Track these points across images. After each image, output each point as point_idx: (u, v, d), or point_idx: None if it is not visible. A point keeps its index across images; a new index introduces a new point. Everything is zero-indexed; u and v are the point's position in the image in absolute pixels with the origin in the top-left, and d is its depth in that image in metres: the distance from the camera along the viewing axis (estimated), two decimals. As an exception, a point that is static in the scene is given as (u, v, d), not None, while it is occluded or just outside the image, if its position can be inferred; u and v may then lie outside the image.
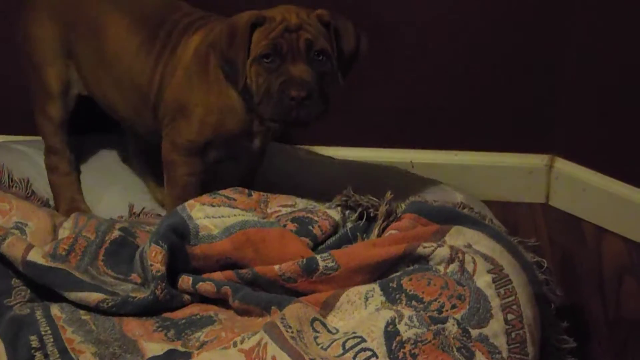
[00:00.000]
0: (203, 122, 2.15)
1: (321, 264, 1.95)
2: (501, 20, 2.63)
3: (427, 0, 2.62)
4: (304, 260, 1.96)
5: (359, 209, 2.12)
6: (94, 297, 1.98)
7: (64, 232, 2.23)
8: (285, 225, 2.05)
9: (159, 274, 1.98)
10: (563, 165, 2.73)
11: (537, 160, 2.75)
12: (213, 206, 2.07)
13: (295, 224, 2.07)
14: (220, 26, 2.09)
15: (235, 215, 2.05)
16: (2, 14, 2.63)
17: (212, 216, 2.05)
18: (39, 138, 2.50)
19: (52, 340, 1.88)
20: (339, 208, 2.12)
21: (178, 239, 2.02)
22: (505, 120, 2.73)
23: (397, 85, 2.71)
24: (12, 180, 2.42)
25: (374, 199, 2.13)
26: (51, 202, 2.45)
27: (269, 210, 2.12)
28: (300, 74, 2.03)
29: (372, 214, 2.12)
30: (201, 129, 2.15)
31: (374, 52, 2.64)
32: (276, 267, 1.98)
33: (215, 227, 2.03)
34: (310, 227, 2.07)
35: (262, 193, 2.16)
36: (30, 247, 2.03)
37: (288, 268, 1.97)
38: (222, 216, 2.05)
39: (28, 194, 2.40)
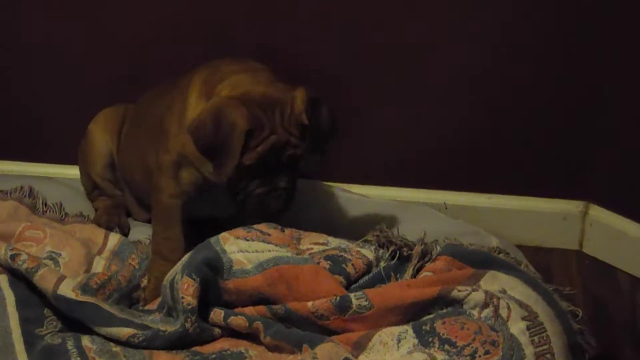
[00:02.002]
0: (175, 139, 2.19)
1: (354, 302, 1.94)
2: (540, 65, 2.62)
3: (465, 41, 2.62)
4: (338, 298, 1.95)
5: (392, 247, 2.11)
6: (124, 332, 1.98)
7: (100, 262, 2.24)
8: (318, 263, 2.05)
9: (189, 307, 1.97)
10: (598, 213, 2.71)
11: (571, 207, 2.73)
12: (247, 240, 2.07)
13: (329, 262, 2.07)
14: (203, 113, 2.10)
15: (269, 250, 2.04)
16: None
17: (245, 250, 2.04)
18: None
19: (83, 372, 1.88)
20: (372, 247, 2.11)
21: (211, 272, 2.01)
22: (540, 165, 2.72)
23: (432, 125, 2.71)
24: (45, 206, 2.44)
25: (407, 238, 2.12)
26: (84, 213, 2.47)
27: (301, 247, 2.12)
28: (281, 187, 2.12)
29: (405, 253, 2.11)
30: (173, 145, 2.19)
31: (409, 91, 2.67)
32: (309, 303, 1.97)
33: (248, 262, 2.03)
34: (344, 266, 2.06)
35: (294, 230, 2.16)
36: (61, 279, 2.04)
37: (321, 305, 1.96)
38: (256, 251, 2.04)
39: (62, 216, 2.42)
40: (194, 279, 1.98)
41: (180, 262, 2.06)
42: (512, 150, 2.71)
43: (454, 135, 2.71)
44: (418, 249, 2.09)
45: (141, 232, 2.42)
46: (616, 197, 2.68)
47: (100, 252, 2.29)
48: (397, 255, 2.11)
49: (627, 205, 2.66)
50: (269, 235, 2.09)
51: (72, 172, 2.67)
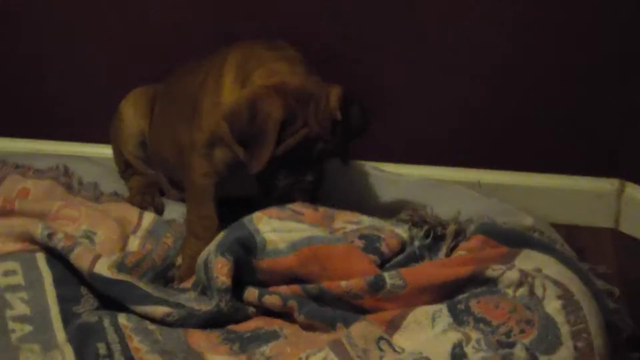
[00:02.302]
0: (208, 118, 2.19)
1: (389, 281, 1.94)
2: (575, 41, 2.60)
3: (497, 18, 2.60)
4: (371, 277, 1.95)
5: (426, 227, 2.10)
6: (159, 310, 1.99)
7: (135, 241, 2.25)
8: (352, 242, 2.05)
9: (223, 286, 1.98)
10: (634, 191, 2.69)
11: (607, 185, 2.71)
12: (280, 220, 2.07)
13: (363, 241, 2.07)
14: (240, 101, 2.10)
15: (302, 230, 2.05)
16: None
17: (279, 230, 2.05)
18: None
19: (119, 348, 1.89)
20: (406, 226, 2.11)
21: (244, 252, 2.02)
22: (575, 143, 2.70)
23: (465, 103, 2.70)
24: (81, 185, 2.45)
25: (441, 218, 2.12)
26: (119, 192, 2.49)
27: (334, 226, 2.11)
28: (307, 179, 2.11)
29: (439, 233, 2.11)
30: (206, 124, 2.20)
31: (441, 69, 2.65)
32: (343, 283, 1.97)
33: (282, 241, 2.03)
34: (378, 245, 2.06)
35: (327, 208, 2.16)
36: (97, 257, 2.05)
37: (355, 285, 1.96)
38: (290, 230, 2.05)
39: (97, 195, 2.44)
40: (227, 259, 1.99)
41: (214, 241, 2.07)
42: (547, 128, 2.69)
43: (487, 113, 2.70)
44: (452, 228, 2.09)
45: (175, 210, 2.43)
46: (652, 175, 2.66)
47: (134, 231, 2.30)
48: (431, 234, 2.11)
49: (663, 184, 2.64)
50: (302, 214, 2.10)
51: (107, 151, 2.68)
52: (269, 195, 2.14)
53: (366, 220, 2.16)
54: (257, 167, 2.08)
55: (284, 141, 2.07)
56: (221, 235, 2.07)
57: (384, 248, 2.07)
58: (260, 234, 2.04)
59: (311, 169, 2.12)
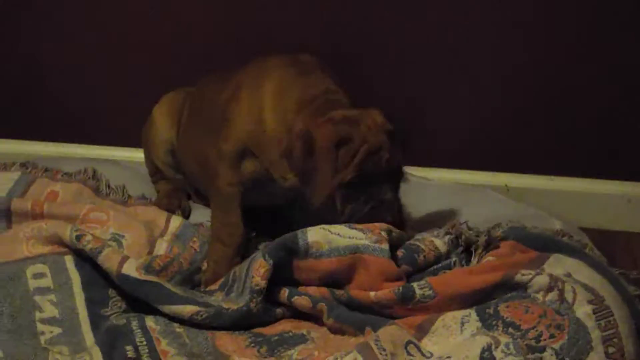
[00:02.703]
0: (239, 129, 2.19)
1: (418, 292, 1.94)
2: (603, 43, 2.58)
3: (526, 21, 2.59)
4: (400, 288, 1.95)
5: (463, 242, 2.10)
6: (187, 309, 1.99)
7: (162, 244, 2.25)
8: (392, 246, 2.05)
9: (257, 287, 1.98)
10: (665, 194, 2.67)
11: (636, 189, 2.69)
12: (332, 225, 2.07)
13: (402, 250, 2.07)
14: (292, 138, 2.08)
15: (350, 237, 2.03)
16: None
17: (328, 230, 2.04)
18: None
19: (147, 351, 1.90)
20: (446, 238, 2.10)
21: (286, 254, 2.01)
22: (604, 146, 2.68)
23: (494, 107, 2.69)
24: (109, 188, 2.46)
25: (479, 229, 2.11)
26: (146, 194, 2.50)
27: (383, 234, 2.08)
28: (387, 198, 2.08)
29: (474, 247, 2.11)
30: (236, 135, 2.19)
31: (470, 73, 2.64)
32: (372, 294, 1.97)
33: (326, 242, 2.02)
34: (416, 256, 2.07)
35: None
36: (125, 259, 2.06)
37: (384, 296, 1.96)
38: (339, 234, 2.03)
39: (125, 198, 2.45)
40: (266, 261, 1.99)
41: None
42: (575, 131, 2.68)
43: (516, 117, 2.69)
44: (482, 239, 2.08)
45: (202, 214, 2.43)
46: (682, 178, 2.64)
47: (162, 235, 2.30)
48: (469, 249, 2.10)
49: (693, 187, 2.62)
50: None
51: (135, 155, 2.70)
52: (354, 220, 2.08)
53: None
54: (318, 200, 2.06)
55: (347, 165, 2.05)
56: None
57: (420, 260, 2.07)
58: (305, 235, 2.03)
59: (387, 187, 2.09)
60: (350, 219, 2.07)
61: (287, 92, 2.16)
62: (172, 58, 2.73)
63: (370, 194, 2.07)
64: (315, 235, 2.02)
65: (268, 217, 2.26)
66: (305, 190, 2.08)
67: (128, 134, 2.76)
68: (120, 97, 2.80)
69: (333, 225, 2.04)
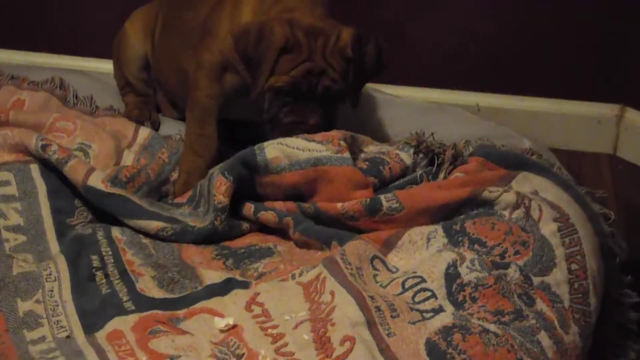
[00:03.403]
0: (222, 40, 2.17)
1: (385, 204, 1.94)
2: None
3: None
4: (367, 200, 1.95)
5: (430, 155, 2.09)
6: (153, 225, 1.99)
7: (129, 155, 2.24)
8: (355, 161, 2.03)
9: (220, 205, 1.97)
10: (633, 116, 2.68)
11: (606, 110, 2.70)
12: (289, 139, 2.06)
13: (367, 163, 2.06)
14: (250, 23, 2.11)
15: (309, 150, 2.03)
16: None
17: (285, 144, 2.03)
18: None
19: (112, 261, 1.90)
20: (410, 151, 2.10)
21: (246, 170, 2.01)
22: (576, 68, 2.68)
23: (465, 26, 2.67)
24: (76, 98, 2.44)
25: (445, 144, 2.10)
26: (115, 107, 2.47)
27: (342, 144, 2.08)
28: (311, 119, 2.08)
29: (440, 160, 2.10)
30: (219, 47, 2.17)
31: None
32: (339, 205, 1.96)
33: (286, 157, 2.02)
34: (381, 168, 2.05)
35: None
36: (91, 171, 2.04)
37: (351, 207, 1.95)
38: (297, 148, 2.03)
39: (92, 109, 2.42)
40: (226, 177, 1.98)
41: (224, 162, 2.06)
42: (547, 52, 2.67)
43: (487, 37, 2.67)
44: (449, 153, 2.07)
45: (172, 127, 2.42)
46: (653, 101, 2.65)
47: (130, 146, 2.29)
48: (435, 162, 2.09)
49: (663, 110, 2.63)
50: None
51: (104, 65, 2.66)
52: (274, 129, 2.11)
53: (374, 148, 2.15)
54: (254, 91, 2.08)
55: (285, 73, 2.06)
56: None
57: (386, 172, 2.06)
58: (264, 151, 2.02)
59: (315, 111, 2.10)
60: (269, 123, 2.10)
61: (265, 4, 2.15)
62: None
63: (293, 108, 2.09)
64: (273, 151, 2.01)
65: (243, 132, 2.24)
66: (249, 82, 2.10)
67: (98, 45, 2.72)
68: (91, 6, 2.75)
69: (289, 139, 2.04)
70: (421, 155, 2.10)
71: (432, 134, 2.19)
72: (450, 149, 2.08)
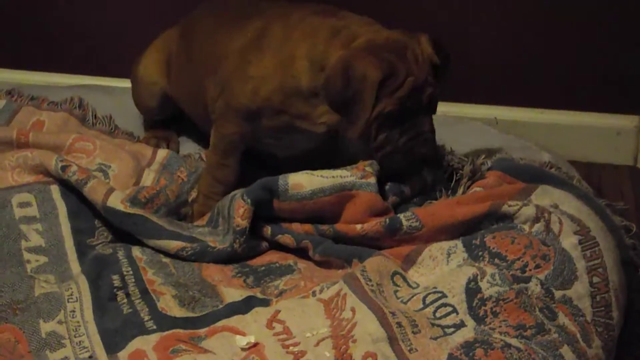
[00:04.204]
0: (256, 90, 2.09)
1: (405, 223, 1.93)
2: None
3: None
4: (387, 220, 1.95)
5: (449, 170, 2.09)
6: (173, 245, 1.99)
7: (149, 175, 2.24)
8: (379, 180, 2.03)
9: (239, 228, 1.97)
10: (653, 128, 2.67)
11: (626, 121, 2.69)
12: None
13: (389, 183, 2.05)
14: (331, 68, 1.98)
15: (334, 177, 2.01)
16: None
17: (311, 174, 2.01)
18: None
19: (133, 280, 1.90)
20: (431, 170, 2.09)
21: (266, 193, 1.99)
22: (594, 79, 2.67)
23: (484, 39, 2.67)
24: (95, 118, 2.45)
25: (464, 158, 2.10)
26: (135, 133, 2.46)
27: (367, 169, 2.05)
28: (426, 130, 2.01)
29: (459, 175, 2.10)
30: (254, 96, 2.09)
31: (460, 4, 2.61)
32: (358, 226, 1.96)
33: (309, 184, 1.99)
34: (403, 187, 2.05)
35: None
36: (110, 191, 2.05)
37: (371, 228, 1.95)
38: (322, 176, 2.01)
39: (112, 129, 2.43)
40: (245, 201, 1.97)
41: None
42: (565, 64, 2.66)
43: (505, 49, 2.67)
44: (467, 168, 2.07)
45: (191, 148, 2.42)
46: (672, 111, 2.64)
47: (149, 165, 2.29)
48: (454, 178, 2.09)
49: (682, 120, 2.62)
50: None
51: (122, 85, 2.67)
52: (388, 161, 2.02)
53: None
54: (354, 133, 1.99)
55: (390, 96, 1.96)
56: None
57: (407, 191, 2.05)
58: (286, 177, 2.00)
59: (426, 120, 2.02)
60: (383, 148, 2.01)
61: (320, 39, 2.04)
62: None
63: (407, 126, 2.00)
64: (297, 177, 2.00)
65: (267, 161, 2.23)
66: (342, 123, 2.01)
67: (117, 63, 2.74)
68: (109, 25, 2.77)
69: (318, 170, 2.01)
70: (440, 171, 2.09)
71: (452, 150, 2.18)
72: (469, 164, 2.08)
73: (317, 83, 2.02)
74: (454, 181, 2.07)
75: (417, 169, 2.04)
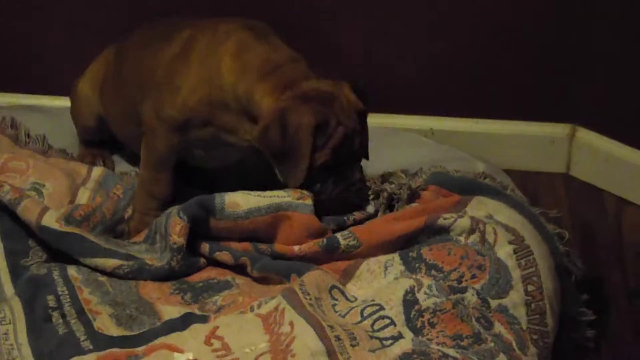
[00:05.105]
0: (185, 102, 2.08)
1: (342, 242, 1.94)
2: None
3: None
4: (325, 240, 1.95)
5: (390, 199, 2.10)
6: (110, 263, 1.97)
7: (85, 193, 2.22)
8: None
9: (175, 246, 1.96)
10: (585, 135, 2.70)
11: (558, 130, 2.73)
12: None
13: (331, 223, 2.05)
14: (266, 118, 1.99)
15: (271, 196, 2.00)
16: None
17: (248, 193, 2.00)
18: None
19: (69, 300, 1.88)
20: (374, 202, 2.10)
21: (202, 211, 1.98)
22: (527, 89, 2.70)
23: (418, 50, 2.68)
24: (28, 137, 2.41)
25: (402, 179, 2.11)
26: (69, 150, 2.44)
27: (305, 192, 2.04)
28: (357, 179, 2.04)
29: (397, 199, 2.11)
30: (184, 102, 2.08)
31: (394, 17, 2.63)
32: (296, 247, 1.96)
33: (244, 203, 1.99)
34: (345, 219, 2.06)
35: None
36: (45, 210, 2.02)
37: (309, 249, 1.95)
38: (259, 195, 2.00)
39: (45, 148, 2.40)
40: (181, 218, 1.96)
41: None
42: (499, 74, 2.69)
43: (439, 60, 2.69)
44: (404, 194, 2.08)
45: (125, 167, 2.40)
46: (603, 119, 2.67)
47: (84, 183, 2.27)
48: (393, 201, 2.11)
49: (613, 127, 2.65)
50: None
51: (57, 103, 2.65)
52: (326, 205, 2.03)
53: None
54: (295, 183, 2.00)
55: (322, 147, 1.98)
56: None
57: (349, 222, 2.06)
58: (223, 195, 1.99)
59: (356, 167, 2.05)
60: (317, 197, 2.02)
61: (248, 58, 2.05)
62: (102, 8, 2.67)
63: (339, 176, 2.02)
64: (233, 196, 1.99)
65: (200, 174, 2.22)
66: (282, 173, 2.02)
67: (52, 81, 2.71)
68: (45, 43, 2.74)
69: (255, 191, 2.01)
70: (380, 199, 2.11)
71: (389, 173, 2.18)
72: (405, 190, 2.09)
73: (243, 106, 2.04)
74: (396, 207, 2.08)
75: (348, 212, 2.06)
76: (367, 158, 2.09)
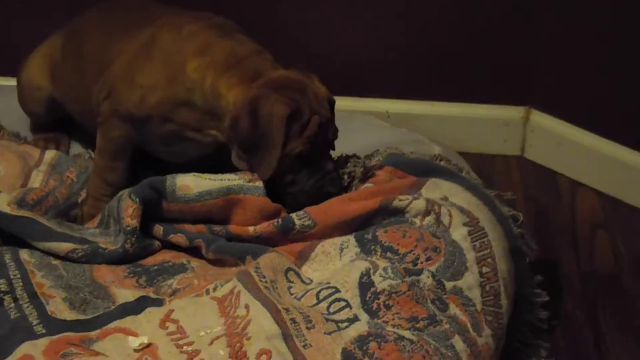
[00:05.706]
0: (143, 99, 2.06)
1: (297, 222, 1.93)
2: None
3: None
4: (280, 220, 1.94)
5: (346, 176, 2.10)
6: (63, 247, 1.95)
7: (38, 176, 2.20)
8: None
9: (129, 228, 1.95)
10: (539, 118, 2.72)
11: (513, 112, 2.74)
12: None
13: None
14: (236, 108, 1.96)
15: (221, 179, 1.99)
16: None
17: (199, 176, 1.99)
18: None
19: (21, 284, 1.85)
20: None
21: (154, 193, 1.97)
22: (482, 72, 2.71)
23: (373, 33, 2.68)
24: (-21, 119, 2.39)
25: (358, 158, 2.11)
26: (22, 134, 2.40)
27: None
28: (331, 169, 2.01)
29: (351, 178, 2.11)
30: (141, 104, 2.07)
31: (352, 1, 2.63)
32: (251, 228, 1.95)
33: (196, 186, 1.97)
34: None
35: None
36: (-5, 194, 2.00)
37: (263, 229, 1.94)
38: (209, 178, 1.99)
39: (-2, 130, 2.38)
40: (133, 200, 1.95)
41: None
42: (454, 57, 2.70)
43: (394, 42, 2.69)
44: (358, 171, 2.08)
45: (80, 149, 2.37)
46: (557, 102, 2.69)
47: (37, 165, 2.24)
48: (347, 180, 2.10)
49: (567, 110, 2.67)
50: None
51: (9, 83, 2.61)
52: (299, 196, 2.00)
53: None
54: (265, 174, 1.97)
55: (298, 137, 1.95)
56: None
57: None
58: (174, 178, 1.98)
59: (328, 157, 2.02)
60: (290, 188, 2.00)
61: (212, 54, 2.02)
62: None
63: (314, 166, 1.99)
64: (184, 179, 1.98)
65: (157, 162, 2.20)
66: (252, 164, 1.98)
67: (3, 62, 2.68)
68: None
69: (206, 173, 2.00)
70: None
71: (342, 154, 2.17)
72: (360, 167, 2.08)
73: (209, 103, 2.01)
74: (347, 184, 2.08)
75: (321, 202, 2.01)
76: (333, 148, 2.06)
